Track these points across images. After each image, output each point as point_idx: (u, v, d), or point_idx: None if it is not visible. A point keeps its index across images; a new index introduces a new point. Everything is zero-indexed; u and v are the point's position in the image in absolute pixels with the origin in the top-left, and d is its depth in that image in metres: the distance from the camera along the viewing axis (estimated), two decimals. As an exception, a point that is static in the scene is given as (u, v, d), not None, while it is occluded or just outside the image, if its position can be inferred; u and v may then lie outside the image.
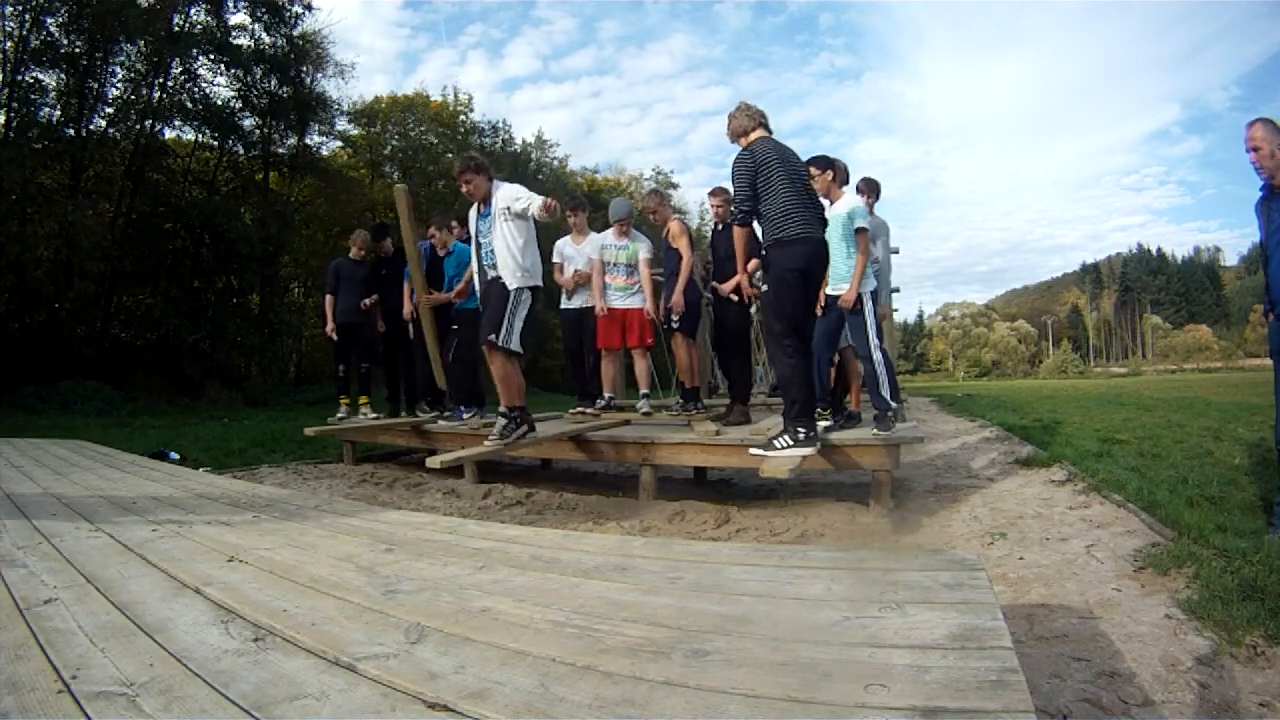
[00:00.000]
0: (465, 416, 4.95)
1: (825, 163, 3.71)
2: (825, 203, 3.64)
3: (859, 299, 3.63)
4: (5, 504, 2.73)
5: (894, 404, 3.60)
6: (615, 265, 4.79)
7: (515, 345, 3.53)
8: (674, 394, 4.94)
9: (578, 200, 5.42)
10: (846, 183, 3.97)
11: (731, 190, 3.46)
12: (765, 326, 3.23)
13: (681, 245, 4.66)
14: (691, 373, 4.79)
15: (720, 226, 4.66)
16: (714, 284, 4.58)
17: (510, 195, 3.53)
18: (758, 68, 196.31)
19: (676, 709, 0.88)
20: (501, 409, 3.70)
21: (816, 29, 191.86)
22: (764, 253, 3.19)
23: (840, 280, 3.67)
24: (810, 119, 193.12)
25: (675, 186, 40.37)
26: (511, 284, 3.56)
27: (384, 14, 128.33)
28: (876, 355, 3.61)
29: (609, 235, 4.84)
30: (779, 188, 3.11)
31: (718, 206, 4.62)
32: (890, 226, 4.53)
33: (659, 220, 4.83)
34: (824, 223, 3.37)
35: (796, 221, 3.10)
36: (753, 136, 3.31)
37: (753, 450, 3.26)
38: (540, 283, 3.63)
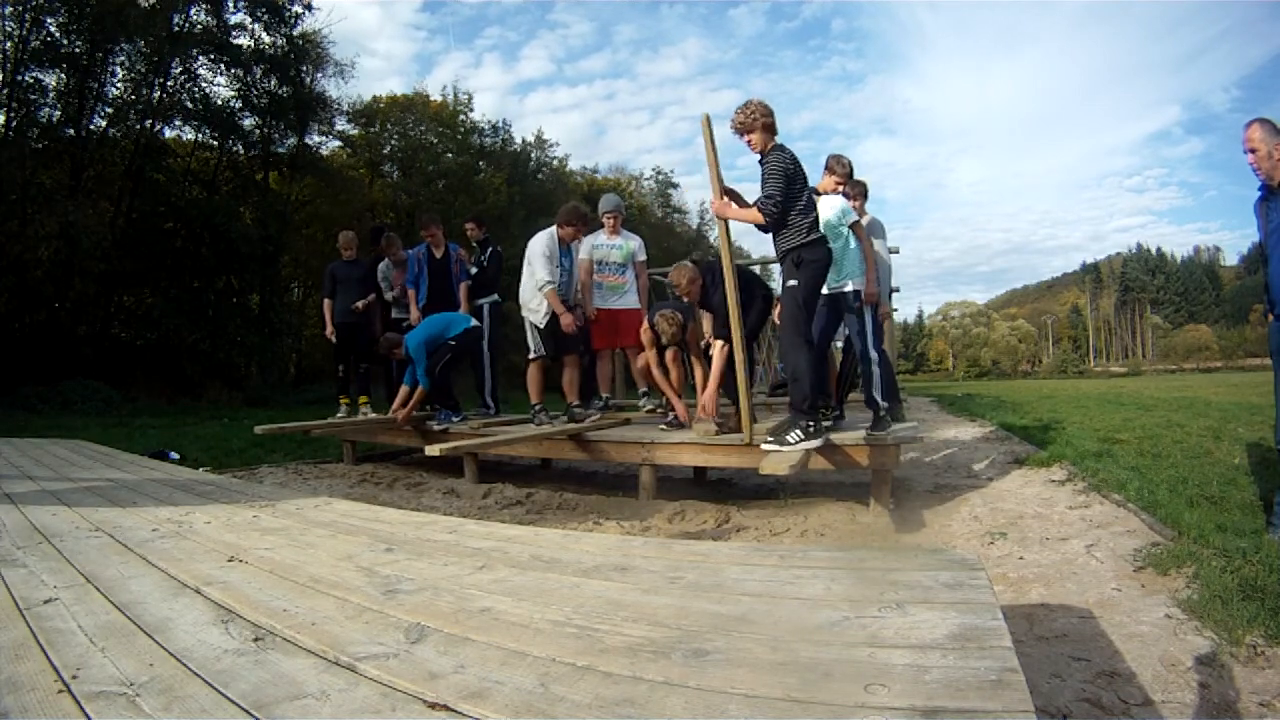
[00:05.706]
0: (454, 420, 4.98)
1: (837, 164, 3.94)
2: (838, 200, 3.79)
3: (858, 298, 3.68)
4: (5, 504, 2.73)
5: (885, 404, 3.61)
6: (607, 264, 4.77)
7: (532, 353, 4.68)
8: (655, 398, 4.86)
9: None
10: (865, 195, 4.19)
11: (762, 190, 3.19)
12: (784, 322, 3.29)
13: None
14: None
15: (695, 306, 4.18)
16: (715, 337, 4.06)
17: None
18: (769, 71, 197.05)
19: (676, 709, 0.88)
20: None
21: (829, 34, 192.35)
22: (799, 254, 3.18)
23: (842, 278, 3.67)
24: (817, 121, 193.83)
25: (675, 186, 40.45)
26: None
27: (402, 16, 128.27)
28: (874, 354, 3.70)
29: (600, 235, 4.82)
30: (806, 197, 3.21)
31: (685, 287, 3.98)
32: (894, 227, 4.62)
33: (688, 297, 4.08)
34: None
35: (817, 227, 3.24)
36: (775, 142, 3.22)
37: (764, 445, 3.26)
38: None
